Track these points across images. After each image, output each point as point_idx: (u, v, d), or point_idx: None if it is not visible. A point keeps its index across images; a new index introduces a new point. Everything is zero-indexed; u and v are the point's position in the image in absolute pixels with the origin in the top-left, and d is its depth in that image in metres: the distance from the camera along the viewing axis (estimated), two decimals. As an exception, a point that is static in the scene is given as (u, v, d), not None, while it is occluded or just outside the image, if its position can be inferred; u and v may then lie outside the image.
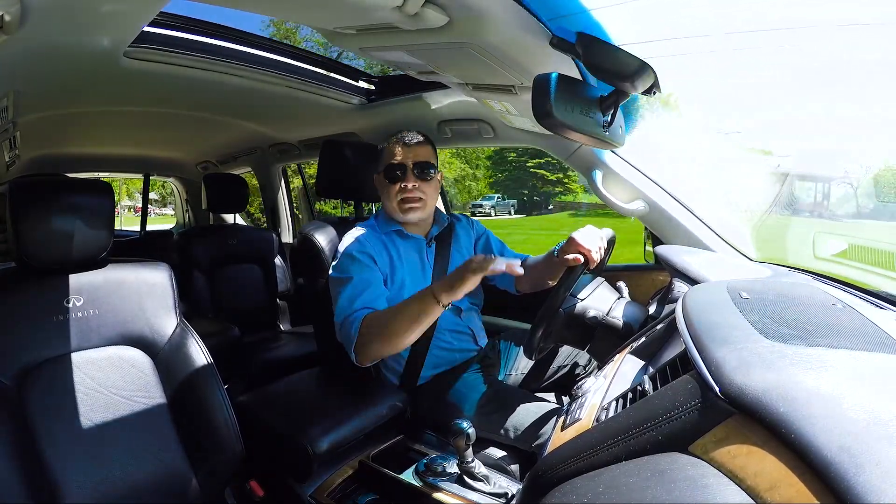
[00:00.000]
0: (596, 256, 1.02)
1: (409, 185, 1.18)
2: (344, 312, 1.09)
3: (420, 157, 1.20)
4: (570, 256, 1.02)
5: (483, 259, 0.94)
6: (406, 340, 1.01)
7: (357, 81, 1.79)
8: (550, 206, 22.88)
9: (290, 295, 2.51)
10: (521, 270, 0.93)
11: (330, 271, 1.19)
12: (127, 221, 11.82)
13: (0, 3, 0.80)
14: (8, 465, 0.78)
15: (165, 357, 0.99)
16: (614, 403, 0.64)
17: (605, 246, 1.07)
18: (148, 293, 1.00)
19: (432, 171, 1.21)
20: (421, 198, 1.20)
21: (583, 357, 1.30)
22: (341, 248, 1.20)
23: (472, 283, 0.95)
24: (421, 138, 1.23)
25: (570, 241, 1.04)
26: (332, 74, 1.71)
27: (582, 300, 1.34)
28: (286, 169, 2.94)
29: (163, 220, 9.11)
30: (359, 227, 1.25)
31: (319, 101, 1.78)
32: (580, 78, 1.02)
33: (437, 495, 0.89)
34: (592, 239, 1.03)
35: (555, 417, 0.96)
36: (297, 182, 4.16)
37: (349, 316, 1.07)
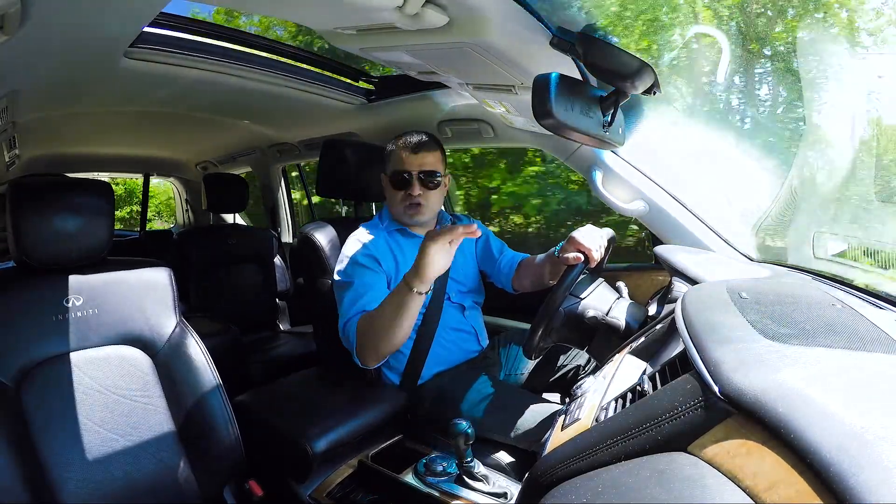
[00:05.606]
0: (596, 255, 1.02)
1: (414, 193, 1.20)
2: (344, 319, 1.11)
3: (426, 165, 1.20)
4: (571, 255, 1.02)
5: (438, 230, 0.95)
6: (397, 335, 1.02)
7: (357, 81, 1.79)
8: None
9: (290, 295, 2.51)
10: (479, 233, 0.95)
11: (335, 275, 1.19)
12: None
13: (0, 3, 0.80)
14: (7, 465, 0.78)
15: (165, 357, 0.99)
16: (614, 403, 0.64)
17: (606, 245, 1.07)
18: (148, 293, 1.00)
19: (438, 177, 1.22)
20: (424, 203, 1.21)
21: (584, 357, 1.30)
22: (346, 251, 1.20)
23: (436, 258, 0.94)
24: (429, 144, 1.22)
25: (571, 239, 1.04)
26: (332, 74, 1.71)
27: (583, 299, 1.34)
28: (286, 169, 2.94)
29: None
30: (363, 228, 1.26)
31: (319, 101, 1.78)
32: (580, 78, 1.02)
33: (437, 495, 0.89)
34: (593, 238, 1.03)
35: (555, 417, 0.96)
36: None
37: (347, 323, 1.10)
